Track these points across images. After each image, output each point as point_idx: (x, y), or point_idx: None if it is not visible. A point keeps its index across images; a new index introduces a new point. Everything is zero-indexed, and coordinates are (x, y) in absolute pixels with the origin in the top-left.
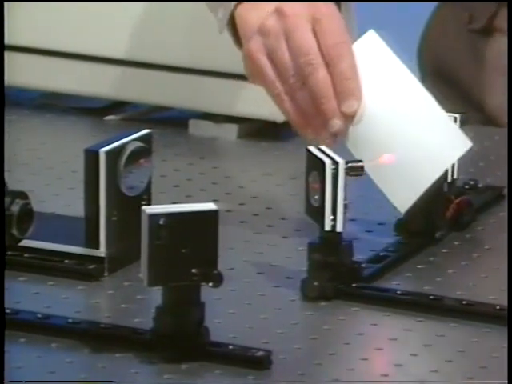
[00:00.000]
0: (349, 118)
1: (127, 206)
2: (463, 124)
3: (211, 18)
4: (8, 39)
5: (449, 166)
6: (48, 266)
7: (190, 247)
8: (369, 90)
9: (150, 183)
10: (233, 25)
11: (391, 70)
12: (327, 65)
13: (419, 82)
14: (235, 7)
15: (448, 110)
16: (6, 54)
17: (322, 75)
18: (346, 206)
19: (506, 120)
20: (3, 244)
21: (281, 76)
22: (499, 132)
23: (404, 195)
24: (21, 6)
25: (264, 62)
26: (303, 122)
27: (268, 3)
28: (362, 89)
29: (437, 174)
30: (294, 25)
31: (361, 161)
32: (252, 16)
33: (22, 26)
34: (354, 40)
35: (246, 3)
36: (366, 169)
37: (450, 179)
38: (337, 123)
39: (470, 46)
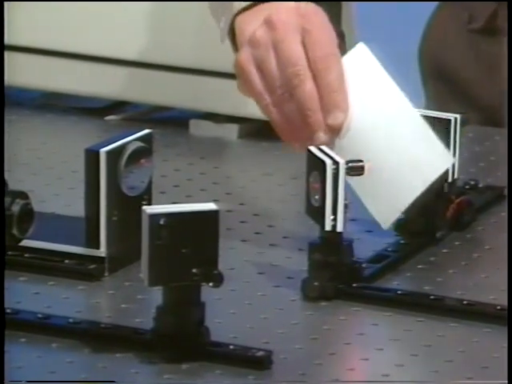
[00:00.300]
0: (335, 131)
1: (128, 206)
2: (463, 124)
3: (212, 19)
4: (9, 39)
5: (432, 181)
6: (48, 265)
7: (191, 247)
8: (356, 103)
9: (150, 183)
10: (233, 34)
11: (379, 83)
12: (315, 77)
13: (406, 98)
14: (235, 17)
15: (448, 110)
16: (7, 54)
17: (308, 87)
18: (346, 206)
19: (506, 120)
20: (3, 244)
21: (268, 87)
22: (499, 132)
23: (387, 210)
24: (22, 5)
25: (253, 72)
26: (290, 133)
27: (265, 13)
28: (350, 102)
29: (420, 189)
30: (282, 35)
31: (361, 161)
32: (249, 26)
33: (23, 26)
34: (353, 40)
35: (246, 13)
36: (348, 180)
37: (450, 179)
38: (322, 136)
39: (470, 45)
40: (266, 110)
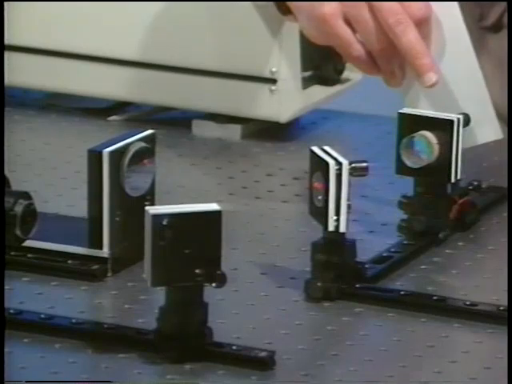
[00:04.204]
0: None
1: (131, 207)
2: (466, 124)
3: (214, 19)
4: (12, 40)
5: (478, 143)
6: (51, 266)
7: (194, 248)
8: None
9: (153, 183)
10: None
11: (457, 39)
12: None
13: (474, 56)
14: None
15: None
16: (10, 55)
17: (414, 32)
18: (349, 207)
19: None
20: (3, 244)
21: (364, 38)
22: (503, 133)
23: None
24: (23, 6)
25: (340, 25)
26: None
27: None
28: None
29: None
30: None
31: (365, 161)
32: None
33: (24, 27)
34: None
35: None
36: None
37: (453, 180)
38: (433, 76)
39: (481, 43)
40: (358, 60)
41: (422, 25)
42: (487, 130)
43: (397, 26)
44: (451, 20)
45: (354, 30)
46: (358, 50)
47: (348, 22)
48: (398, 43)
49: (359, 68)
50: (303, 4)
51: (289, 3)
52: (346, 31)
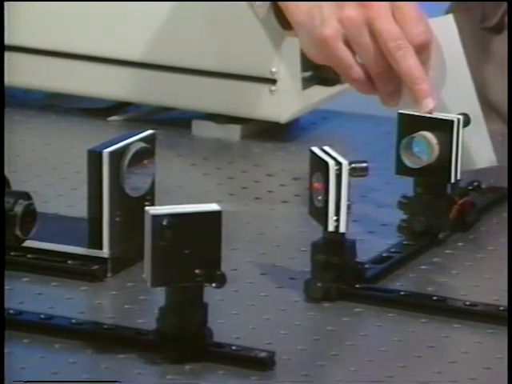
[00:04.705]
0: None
1: (131, 207)
2: (466, 125)
3: (214, 19)
4: (12, 40)
5: (476, 168)
6: (51, 266)
7: (194, 248)
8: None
9: (153, 184)
10: (277, 10)
11: (454, 59)
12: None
13: (471, 82)
14: None
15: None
16: (11, 55)
17: (413, 58)
18: (349, 207)
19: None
20: (3, 244)
21: (364, 60)
22: (502, 133)
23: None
24: (23, 6)
25: (341, 47)
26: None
27: None
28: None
29: (466, 167)
30: (376, 14)
31: (365, 161)
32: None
33: (25, 27)
34: None
35: None
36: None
37: (453, 180)
38: (431, 102)
39: (483, 44)
40: (357, 82)
41: (422, 50)
42: (483, 155)
43: (396, 52)
44: (450, 44)
45: (353, 52)
46: (357, 72)
47: (348, 44)
48: (396, 68)
49: (357, 88)
50: (304, 22)
51: (290, 19)
52: (345, 53)
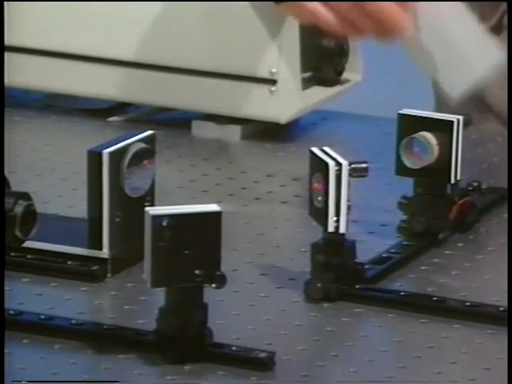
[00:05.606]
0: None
1: (130, 207)
2: (466, 125)
3: (214, 19)
4: (12, 40)
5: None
6: (51, 267)
7: (194, 248)
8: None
9: (153, 184)
10: None
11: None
12: None
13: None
14: None
15: (459, 111)
16: (11, 55)
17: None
18: (349, 208)
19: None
20: (3, 245)
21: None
22: (502, 134)
23: (457, 81)
24: (23, 6)
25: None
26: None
27: None
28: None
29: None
30: None
31: (365, 162)
32: None
33: (25, 27)
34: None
35: None
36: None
37: (453, 180)
38: (407, 26)
39: None
40: (333, 25)
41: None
42: (484, 57)
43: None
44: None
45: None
46: (327, 16)
47: None
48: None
49: (343, 33)
50: None
51: None
52: (313, 4)
